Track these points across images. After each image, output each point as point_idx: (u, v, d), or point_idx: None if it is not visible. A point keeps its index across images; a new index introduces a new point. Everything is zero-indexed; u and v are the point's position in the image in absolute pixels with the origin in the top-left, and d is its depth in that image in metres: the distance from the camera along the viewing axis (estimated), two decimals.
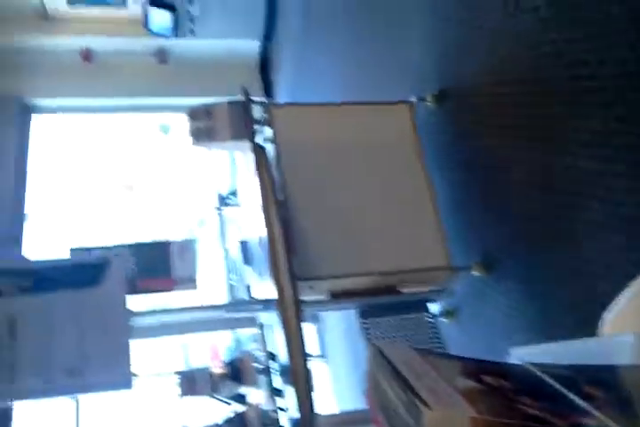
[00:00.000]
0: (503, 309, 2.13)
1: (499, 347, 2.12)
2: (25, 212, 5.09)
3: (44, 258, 2.60)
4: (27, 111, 5.50)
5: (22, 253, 4.67)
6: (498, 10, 2.01)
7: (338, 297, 2.36)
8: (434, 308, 2.35)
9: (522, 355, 0.78)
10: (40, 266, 2.49)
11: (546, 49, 1.76)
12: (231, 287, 4.32)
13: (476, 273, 2.21)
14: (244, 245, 3.43)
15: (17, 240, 4.80)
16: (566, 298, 1.79)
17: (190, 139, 2.68)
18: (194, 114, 2.70)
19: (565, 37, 1.68)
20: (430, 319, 2.26)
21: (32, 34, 5.42)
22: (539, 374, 0.75)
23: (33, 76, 5.39)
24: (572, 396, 0.69)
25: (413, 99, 2.55)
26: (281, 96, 5.40)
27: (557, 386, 0.72)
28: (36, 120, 5.59)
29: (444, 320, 2.48)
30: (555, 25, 1.71)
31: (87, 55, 5.58)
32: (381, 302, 2.32)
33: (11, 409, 3.51)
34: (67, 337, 2.33)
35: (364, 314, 2.30)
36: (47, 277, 2.48)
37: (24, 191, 5.09)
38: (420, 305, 2.27)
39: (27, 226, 5.04)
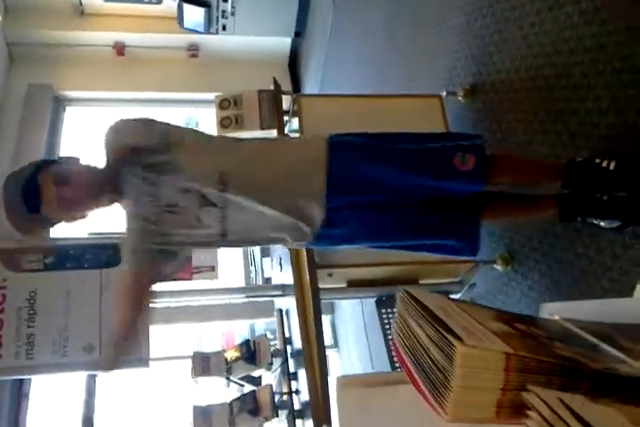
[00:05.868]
0: (525, 302, 2.10)
1: None
2: None
3: (67, 237, 2.64)
4: (59, 103, 5.58)
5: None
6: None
7: (356, 286, 2.36)
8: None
9: (553, 311, 0.78)
10: (62, 245, 2.53)
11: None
12: (250, 278, 4.34)
13: (498, 267, 2.19)
14: None
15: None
16: (596, 291, 1.76)
17: (218, 128, 2.70)
18: (223, 102, 2.73)
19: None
20: None
21: (67, 28, 5.53)
22: (572, 327, 0.74)
23: (67, 68, 5.49)
24: (605, 346, 0.68)
25: (444, 93, 2.55)
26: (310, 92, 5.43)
27: (591, 338, 0.71)
28: (69, 113, 5.66)
29: None
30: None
31: (120, 49, 5.70)
32: None
33: (29, 382, 3.54)
34: (85, 315, 2.35)
35: (382, 304, 2.30)
36: (69, 256, 2.51)
37: None
38: None
39: None
